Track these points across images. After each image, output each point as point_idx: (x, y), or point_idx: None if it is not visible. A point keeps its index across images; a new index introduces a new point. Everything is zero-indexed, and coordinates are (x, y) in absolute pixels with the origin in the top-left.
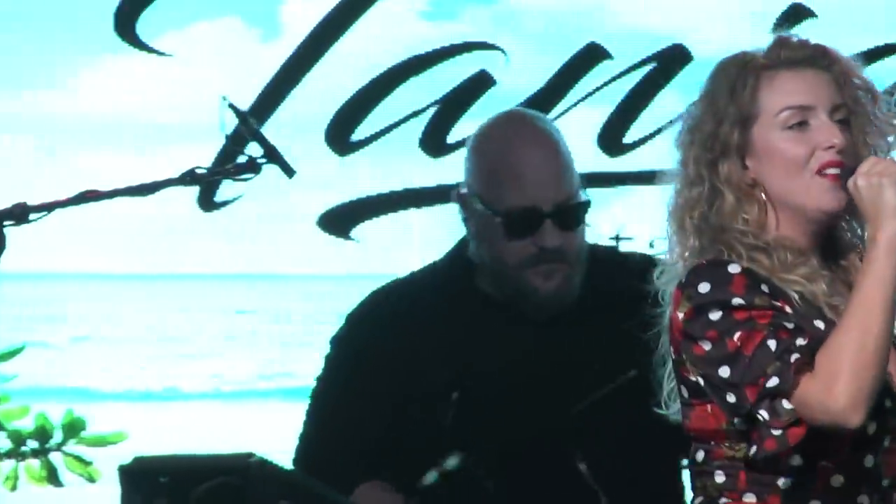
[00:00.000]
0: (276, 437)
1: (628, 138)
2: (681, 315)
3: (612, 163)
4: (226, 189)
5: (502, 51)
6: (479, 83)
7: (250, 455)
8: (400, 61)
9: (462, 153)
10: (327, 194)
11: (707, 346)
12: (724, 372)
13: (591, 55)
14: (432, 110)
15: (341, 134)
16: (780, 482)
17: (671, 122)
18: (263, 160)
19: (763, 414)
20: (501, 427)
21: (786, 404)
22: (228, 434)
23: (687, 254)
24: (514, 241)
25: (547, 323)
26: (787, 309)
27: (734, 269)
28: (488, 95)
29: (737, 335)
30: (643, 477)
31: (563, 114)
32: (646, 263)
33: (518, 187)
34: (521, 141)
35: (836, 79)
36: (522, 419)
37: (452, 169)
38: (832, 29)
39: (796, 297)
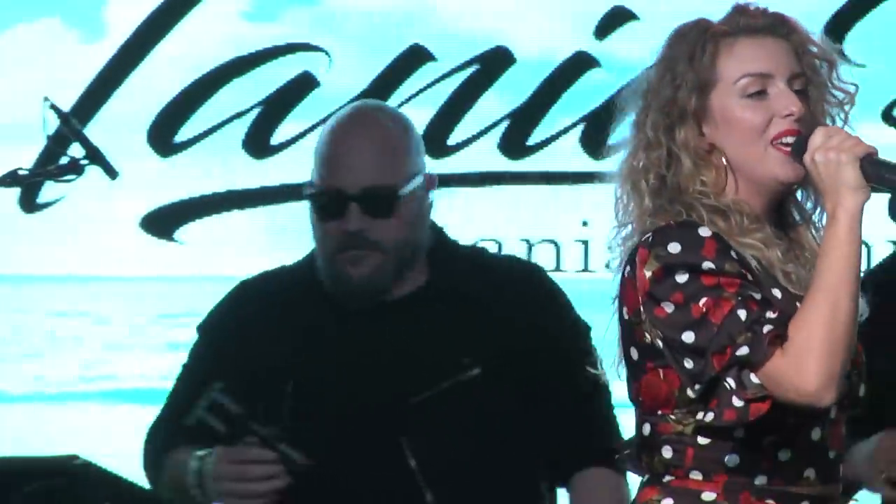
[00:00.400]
0: (99, 439)
1: (452, 140)
2: (648, 274)
3: (437, 164)
4: (48, 190)
5: (326, 52)
6: (303, 84)
7: (74, 457)
8: (223, 62)
9: (286, 154)
10: (150, 195)
11: (670, 309)
12: (688, 337)
13: (415, 57)
14: (256, 111)
15: (164, 135)
16: (727, 458)
17: (495, 123)
18: (86, 161)
19: (730, 382)
20: (330, 419)
21: (753, 378)
22: (51, 436)
23: (642, 214)
24: (323, 224)
25: (383, 315)
26: (750, 277)
27: (705, 232)
28: (312, 97)
29: (703, 300)
30: (479, 479)
31: None
32: (516, 267)
33: (327, 169)
34: (341, 127)
35: (794, 48)
36: (350, 412)
37: (276, 170)
38: None
39: (755, 262)
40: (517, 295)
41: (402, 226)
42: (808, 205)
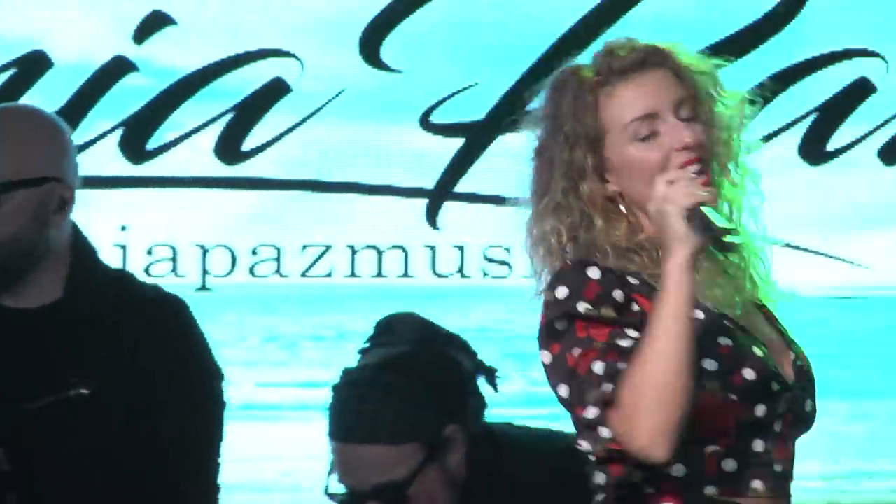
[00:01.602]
0: None
1: None
2: (539, 320)
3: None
4: None
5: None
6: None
7: None
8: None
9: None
10: None
11: (548, 360)
12: (563, 391)
13: None
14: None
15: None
16: (674, 470)
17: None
18: None
19: (583, 444)
20: None
21: (605, 433)
22: None
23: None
24: None
25: (9, 324)
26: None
27: (594, 273)
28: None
29: (575, 352)
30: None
31: None
32: (157, 298)
33: None
34: None
35: (674, 73)
36: None
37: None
38: None
39: None
40: (148, 325)
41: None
42: None
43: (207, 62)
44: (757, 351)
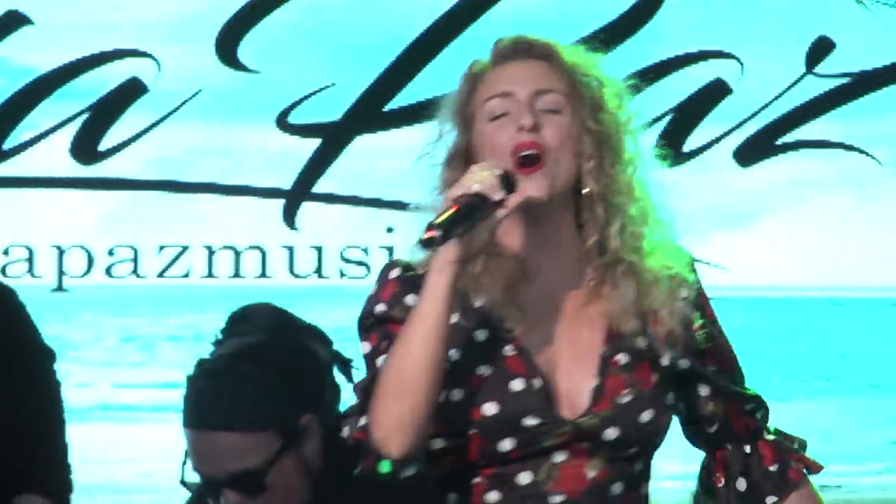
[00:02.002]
0: None
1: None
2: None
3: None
4: None
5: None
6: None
7: None
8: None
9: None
10: None
11: (363, 352)
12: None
13: None
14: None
15: None
16: (449, 497)
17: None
18: None
19: (343, 430)
20: None
21: (362, 421)
22: None
23: None
24: None
25: None
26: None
27: (395, 272)
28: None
29: (366, 347)
30: None
31: None
32: None
33: None
34: None
35: (555, 68)
36: None
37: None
38: None
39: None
40: None
41: None
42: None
43: (64, 62)
44: (514, 385)
